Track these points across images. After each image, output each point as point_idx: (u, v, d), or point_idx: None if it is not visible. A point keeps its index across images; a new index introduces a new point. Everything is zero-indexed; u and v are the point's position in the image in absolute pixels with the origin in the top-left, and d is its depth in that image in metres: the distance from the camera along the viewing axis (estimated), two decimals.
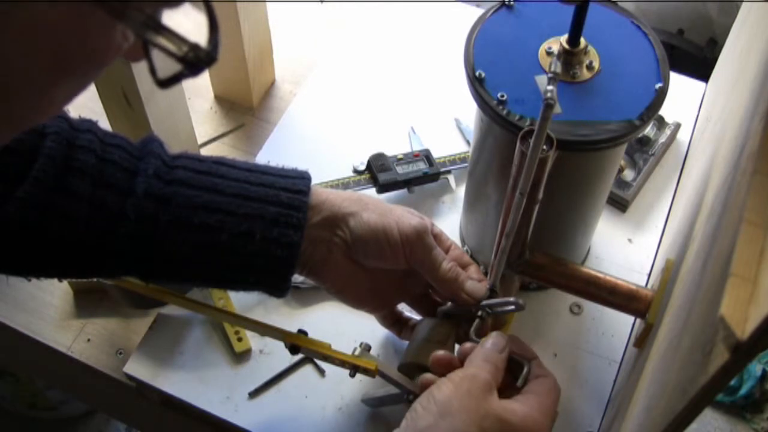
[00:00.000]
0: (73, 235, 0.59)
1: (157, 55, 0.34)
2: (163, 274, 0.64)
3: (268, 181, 0.63)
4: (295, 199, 0.63)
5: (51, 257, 0.61)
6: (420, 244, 0.65)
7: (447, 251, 0.68)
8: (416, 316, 0.73)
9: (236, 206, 0.62)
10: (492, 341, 0.62)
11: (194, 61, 0.33)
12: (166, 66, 0.34)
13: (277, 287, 0.65)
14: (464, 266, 0.68)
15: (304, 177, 0.65)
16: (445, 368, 0.62)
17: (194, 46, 0.33)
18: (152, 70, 0.35)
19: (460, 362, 0.62)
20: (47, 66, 0.33)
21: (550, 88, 0.51)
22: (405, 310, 0.74)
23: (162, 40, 0.32)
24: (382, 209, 0.66)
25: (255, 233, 0.61)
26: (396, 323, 0.73)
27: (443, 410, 0.57)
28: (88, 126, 0.62)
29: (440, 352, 0.63)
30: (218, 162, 0.64)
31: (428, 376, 0.62)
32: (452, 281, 0.66)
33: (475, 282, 0.66)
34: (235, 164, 0.65)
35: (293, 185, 0.64)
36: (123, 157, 0.61)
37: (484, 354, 0.61)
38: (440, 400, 0.57)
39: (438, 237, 0.68)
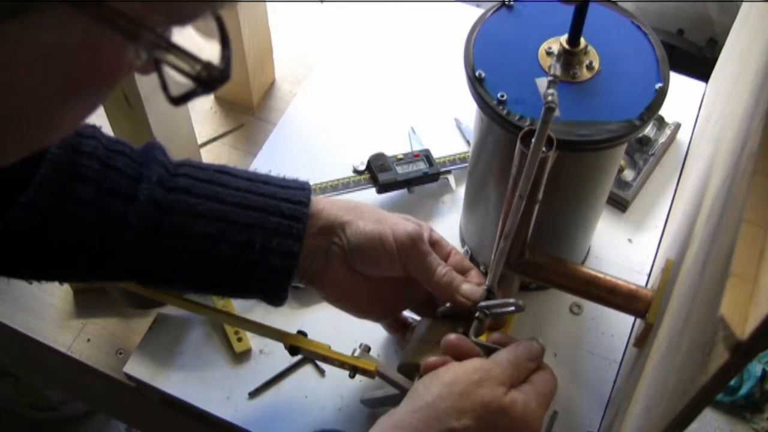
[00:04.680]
0: (75, 240, 0.60)
1: (168, 71, 0.34)
2: (163, 280, 0.64)
3: (269, 191, 0.64)
4: (295, 210, 0.63)
5: (53, 262, 0.61)
6: (415, 251, 0.65)
7: (447, 256, 0.68)
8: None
9: (237, 215, 0.62)
10: (527, 345, 0.61)
11: (208, 80, 0.33)
12: (178, 81, 0.34)
13: (275, 296, 0.65)
14: (465, 271, 0.68)
15: (304, 188, 0.65)
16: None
17: (207, 65, 0.33)
18: (164, 88, 0.34)
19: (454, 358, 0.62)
20: (59, 88, 0.32)
21: (551, 91, 0.51)
22: (410, 315, 0.74)
23: (175, 59, 0.32)
24: (377, 217, 0.66)
25: (255, 243, 0.62)
26: (402, 329, 0.73)
27: (444, 391, 0.57)
28: (91, 132, 0.62)
29: (432, 359, 0.62)
30: (220, 170, 0.65)
31: (433, 359, 0.62)
32: (447, 286, 0.65)
33: (471, 285, 0.66)
34: (237, 173, 0.65)
35: (294, 196, 0.64)
36: (126, 164, 0.61)
37: (515, 356, 0.60)
38: (444, 381, 0.58)
39: (438, 243, 0.68)
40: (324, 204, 0.66)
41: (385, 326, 0.74)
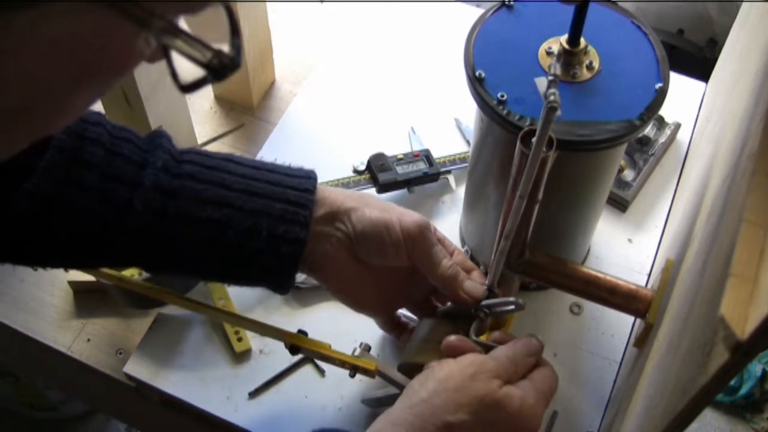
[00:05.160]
0: (80, 226, 0.60)
1: (176, 59, 0.34)
2: (169, 267, 0.64)
3: (275, 179, 0.64)
4: (301, 197, 0.63)
5: (58, 247, 0.61)
6: (421, 240, 0.65)
7: (450, 256, 0.68)
8: (415, 320, 0.73)
9: (243, 202, 0.62)
10: (525, 341, 0.62)
11: (218, 67, 0.33)
12: (187, 69, 0.34)
13: (281, 284, 0.65)
14: (467, 271, 0.68)
15: (310, 176, 0.66)
16: None
17: (218, 52, 0.33)
18: (174, 76, 0.34)
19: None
20: (69, 78, 0.32)
21: (552, 90, 0.51)
22: (404, 314, 0.74)
23: (185, 47, 0.32)
24: (383, 206, 0.66)
25: (261, 229, 0.62)
26: (396, 327, 0.73)
27: (439, 387, 0.57)
28: (96, 118, 0.62)
29: (433, 363, 0.62)
30: (226, 158, 0.65)
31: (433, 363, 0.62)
32: (452, 279, 0.65)
33: (474, 282, 0.66)
34: (243, 161, 0.65)
35: (300, 184, 0.64)
36: (132, 150, 0.61)
37: (513, 352, 0.61)
38: (439, 378, 0.58)
39: (441, 242, 0.68)
40: (329, 192, 0.66)
41: (380, 323, 0.74)
